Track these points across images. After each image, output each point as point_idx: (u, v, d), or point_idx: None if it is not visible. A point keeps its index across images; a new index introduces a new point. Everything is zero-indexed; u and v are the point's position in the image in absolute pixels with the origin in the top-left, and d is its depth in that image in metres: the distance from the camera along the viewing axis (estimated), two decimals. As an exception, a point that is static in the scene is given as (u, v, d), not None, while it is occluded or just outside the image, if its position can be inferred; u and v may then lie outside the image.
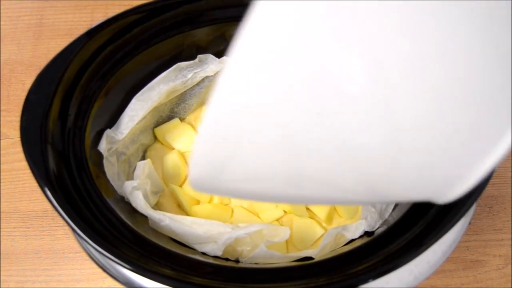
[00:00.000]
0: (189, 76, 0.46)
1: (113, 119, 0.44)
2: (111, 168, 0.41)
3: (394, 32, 0.19)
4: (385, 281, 0.33)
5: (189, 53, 0.46)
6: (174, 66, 0.45)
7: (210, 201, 0.46)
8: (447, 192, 0.24)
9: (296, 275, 0.34)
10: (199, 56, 0.46)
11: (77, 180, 0.36)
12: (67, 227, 0.36)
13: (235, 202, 0.46)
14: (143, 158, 0.48)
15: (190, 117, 0.50)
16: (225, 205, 0.46)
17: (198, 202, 0.45)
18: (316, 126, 0.20)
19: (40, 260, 0.47)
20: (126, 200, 0.40)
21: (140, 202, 0.39)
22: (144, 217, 0.39)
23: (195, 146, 0.21)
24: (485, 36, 0.20)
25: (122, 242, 0.34)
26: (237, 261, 0.40)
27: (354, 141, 0.20)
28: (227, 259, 0.40)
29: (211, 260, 0.37)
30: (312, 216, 0.45)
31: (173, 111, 0.49)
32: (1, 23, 0.62)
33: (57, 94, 0.39)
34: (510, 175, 0.52)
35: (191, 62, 0.46)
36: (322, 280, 0.32)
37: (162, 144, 0.49)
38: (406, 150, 0.21)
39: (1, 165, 0.52)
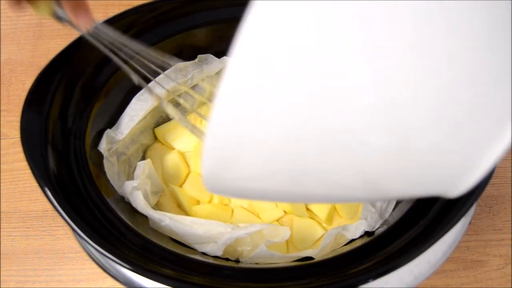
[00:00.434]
0: (189, 76, 0.46)
1: (113, 119, 0.44)
2: (111, 168, 0.41)
3: (398, 30, 0.19)
4: (385, 281, 0.33)
5: (189, 53, 0.46)
6: (174, 66, 0.45)
7: (210, 201, 0.46)
8: (456, 185, 0.24)
9: (296, 275, 0.34)
10: (199, 56, 0.46)
11: (77, 180, 0.36)
12: (67, 227, 0.36)
13: (235, 203, 0.46)
14: (143, 158, 0.48)
15: (190, 117, 0.50)
16: (225, 205, 0.46)
17: (198, 203, 0.45)
18: (321, 124, 0.20)
19: (40, 260, 0.47)
20: (126, 200, 0.40)
21: (140, 202, 0.39)
22: (144, 217, 0.39)
23: (203, 145, 0.22)
24: (487, 33, 0.20)
25: (122, 242, 0.34)
26: (237, 261, 0.40)
27: (361, 139, 0.21)
28: (227, 259, 0.40)
29: (211, 260, 0.37)
30: (312, 216, 0.45)
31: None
32: (1, 23, 0.62)
33: (57, 94, 0.39)
34: (510, 175, 0.52)
35: (191, 62, 0.46)
36: (322, 280, 0.32)
37: (162, 144, 0.49)
38: (413, 145, 0.21)
39: (1, 165, 0.52)
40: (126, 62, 0.38)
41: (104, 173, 0.40)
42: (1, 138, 0.54)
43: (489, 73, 0.21)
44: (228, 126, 0.21)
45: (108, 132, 0.42)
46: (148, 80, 0.41)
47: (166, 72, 0.44)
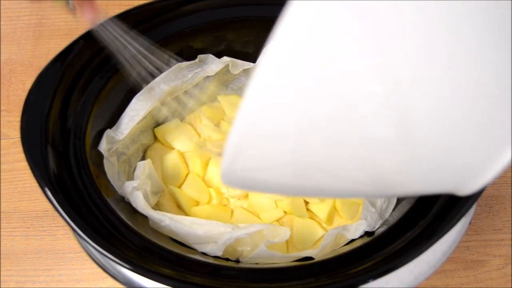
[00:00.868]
0: (189, 76, 0.46)
1: (113, 119, 0.44)
2: (111, 168, 0.41)
3: (412, 39, 0.20)
4: (385, 281, 0.33)
5: (189, 53, 0.46)
6: (174, 66, 0.45)
7: (209, 202, 0.46)
8: (468, 183, 0.24)
9: (296, 275, 0.34)
10: (199, 56, 0.46)
11: (77, 180, 0.36)
12: (67, 227, 0.36)
13: (234, 203, 0.46)
14: (143, 158, 0.48)
15: (190, 117, 0.50)
16: (224, 205, 0.46)
17: (197, 203, 0.45)
18: (335, 121, 0.21)
19: (40, 260, 0.47)
20: (126, 200, 0.40)
21: (140, 202, 0.39)
22: (144, 217, 0.39)
23: (228, 139, 0.22)
24: (496, 40, 0.21)
25: (122, 242, 0.34)
26: (237, 261, 0.40)
27: (373, 135, 0.21)
28: (227, 259, 0.40)
29: (211, 260, 0.37)
30: (313, 216, 0.45)
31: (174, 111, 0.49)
32: (1, 23, 0.62)
33: (57, 94, 0.39)
34: (510, 175, 0.52)
35: (191, 62, 0.46)
36: (322, 280, 0.32)
37: (162, 144, 0.49)
38: (425, 143, 0.22)
39: (1, 165, 0.52)
40: (128, 61, 0.38)
41: (104, 173, 0.40)
42: (1, 138, 0.54)
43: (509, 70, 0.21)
44: (252, 121, 0.22)
45: (108, 132, 0.42)
46: (148, 80, 0.41)
47: (166, 72, 0.44)
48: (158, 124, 0.49)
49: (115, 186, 0.40)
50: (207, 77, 0.48)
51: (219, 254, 0.38)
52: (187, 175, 0.47)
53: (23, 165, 0.51)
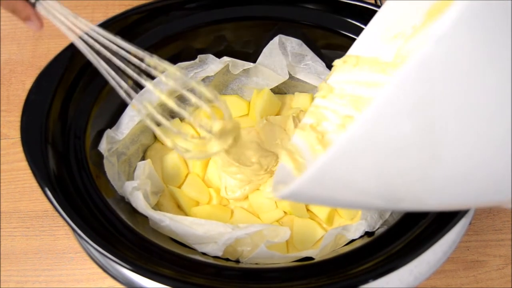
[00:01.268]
0: (189, 76, 0.46)
1: (113, 119, 0.44)
2: (111, 168, 0.41)
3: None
4: (385, 281, 0.33)
5: (189, 53, 0.46)
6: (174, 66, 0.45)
7: (209, 202, 0.45)
8: None
9: (296, 275, 0.34)
10: (199, 56, 0.46)
11: (77, 180, 0.36)
12: (67, 227, 0.36)
13: (234, 203, 0.46)
14: (143, 158, 0.48)
15: (190, 117, 0.50)
16: (224, 206, 0.46)
17: (197, 204, 0.45)
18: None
19: (40, 260, 0.47)
20: (126, 200, 0.40)
21: (140, 203, 0.39)
22: (144, 217, 0.39)
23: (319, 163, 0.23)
24: None
25: (122, 242, 0.34)
26: (237, 261, 0.40)
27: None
28: (227, 260, 0.40)
29: (211, 261, 0.37)
30: (313, 217, 0.45)
31: (173, 111, 0.49)
32: (1, 23, 0.62)
33: (57, 94, 0.39)
34: (510, 175, 0.52)
35: (191, 62, 0.46)
36: (322, 280, 0.32)
37: (162, 144, 0.49)
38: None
39: (1, 165, 0.52)
40: (119, 69, 0.35)
41: (104, 173, 0.40)
42: (1, 138, 0.54)
43: None
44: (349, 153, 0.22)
45: (108, 132, 0.42)
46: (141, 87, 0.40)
47: (165, 73, 0.44)
48: (158, 124, 0.49)
49: (115, 186, 0.40)
50: (207, 77, 0.48)
51: (219, 254, 0.38)
52: (187, 175, 0.47)
53: (23, 165, 0.51)
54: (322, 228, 0.44)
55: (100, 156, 0.40)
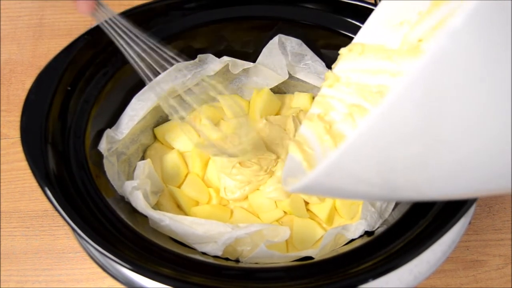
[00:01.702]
0: (189, 76, 0.46)
1: (113, 119, 0.44)
2: (111, 168, 0.41)
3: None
4: (385, 281, 0.33)
5: (189, 53, 0.46)
6: (174, 66, 0.45)
7: (208, 202, 0.46)
8: None
9: (296, 275, 0.34)
10: (199, 56, 0.46)
11: (77, 180, 0.36)
12: (67, 227, 0.36)
13: (234, 203, 0.46)
14: (143, 158, 0.48)
15: (190, 117, 0.50)
16: (224, 205, 0.46)
17: (197, 203, 0.45)
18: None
19: (40, 260, 0.47)
20: (126, 200, 0.40)
21: (140, 202, 0.39)
22: (144, 217, 0.39)
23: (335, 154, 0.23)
24: None
25: (122, 242, 0.34)
26: (237, 261, 0.40)
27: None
28: (227, 259, 0.40)
29: (211, 260, 0.37)
30: (313, 217, 0.45)
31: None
32: (1, 23, 0.62)
33: (57, 94, 0.39)
34: (510, 175, 0.52)
35: (191, 62, 0.46)
36: (322, 280, 0.32)
37: (162, 144, 0.49)
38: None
39: (1, 165, 0.52)
40: (134, 58, 0.39)
41: (104, 173, 0.40)
42: (1, 138, 0.54)
43: None
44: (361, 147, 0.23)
45: (108, 132, 0.42)
46: (151, 78, 0.41)
47: (166, 72, 0.44)
48: (158, 124, 0.49)
49: (115, 186, 0.40)
50: (207, 77, 0.48)
51: (219, 253, 0.38)
52: (186, 175, 0.47)
53: (23, 165, 0.51)
54: (321, 227, 0.44)
55: (100, 156, 0.40)
